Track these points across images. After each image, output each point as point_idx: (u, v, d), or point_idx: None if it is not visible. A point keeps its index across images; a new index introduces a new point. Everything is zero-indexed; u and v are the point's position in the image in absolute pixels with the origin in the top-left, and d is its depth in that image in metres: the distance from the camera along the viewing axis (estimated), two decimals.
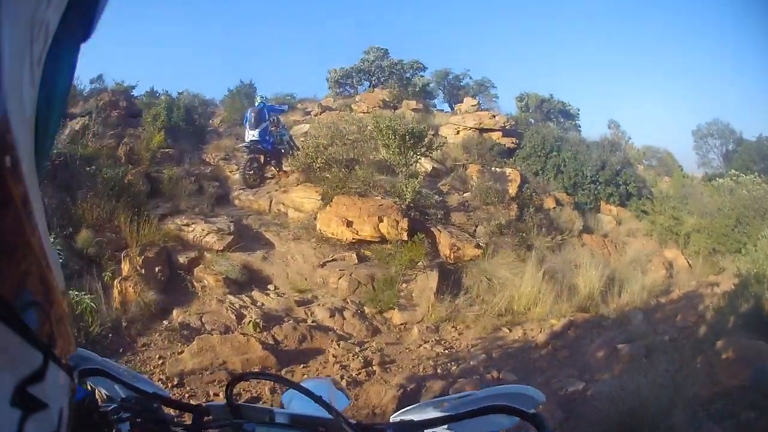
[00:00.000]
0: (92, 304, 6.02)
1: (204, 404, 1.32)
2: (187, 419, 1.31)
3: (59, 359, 0.73)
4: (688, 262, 11.05)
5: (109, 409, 1.17)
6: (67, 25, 0.62)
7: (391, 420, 1.23)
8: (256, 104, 12.41)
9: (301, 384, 1.27)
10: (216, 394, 5.12)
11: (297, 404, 1.56)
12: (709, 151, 22.42)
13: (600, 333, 7.40)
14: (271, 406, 1.58)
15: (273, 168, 11.99)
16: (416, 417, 1.19)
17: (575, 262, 9.44)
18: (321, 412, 1.18)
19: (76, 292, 6.03)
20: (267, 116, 11.98)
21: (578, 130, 19.11)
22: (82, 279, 6.81)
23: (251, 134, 11.63)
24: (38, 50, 0.53)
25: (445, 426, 1.13)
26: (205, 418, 1.27)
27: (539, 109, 19.35)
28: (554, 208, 12.23)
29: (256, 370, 5.66)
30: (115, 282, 6.95)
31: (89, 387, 1.38)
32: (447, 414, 1.12)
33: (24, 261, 0.51)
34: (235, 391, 1.35)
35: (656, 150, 18.43)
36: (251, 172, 11.59)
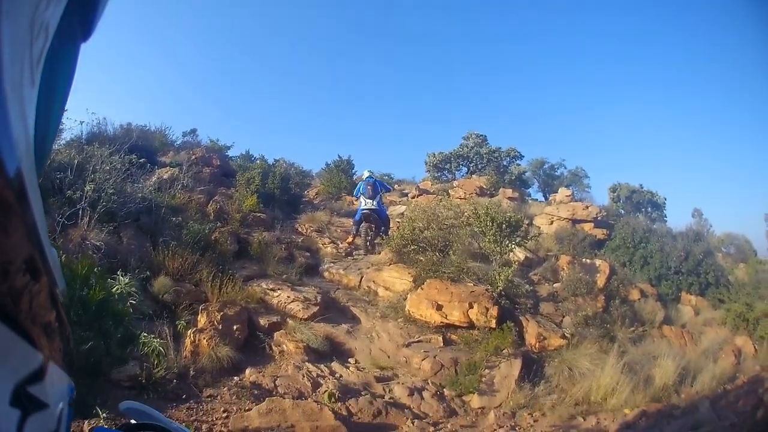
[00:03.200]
0: (160, 348, 6.12)
1: None
2: None
3: (59, 359, 0.75)
4: (755, 348, 10.71)
5: None
6: (67, 24, 0.64)
7: None
8: (365, 177, 13.46)
9: None
10: None
11: None
12: None
13: (669, 422, 7.27)
14: None
15: (382, 236, 12.59)
16: None
17: (654, 354, 9.26)
18: None
19: (145, 334, 6.14)
20: (379, 189, 13.08)
21: (664, 220, 18.92)
22: (153, 323, 7.01)
23: (369, 203, 12.62)
24: (38, 50, 0.54)
25: None
26: None
27: (630, 199, 19.23)
28: (639, 299, 12.03)
29: None
30: (189, 332, 7.08)
31: None
32: None
33: (24, 262, 0.53)
34: None
35: (735, 237, 17.81)
36: (369, 238, 12.70)
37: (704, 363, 9.40)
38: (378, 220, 12.80)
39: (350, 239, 13.09)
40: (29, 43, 0.51)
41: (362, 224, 12.74)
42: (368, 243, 12.61)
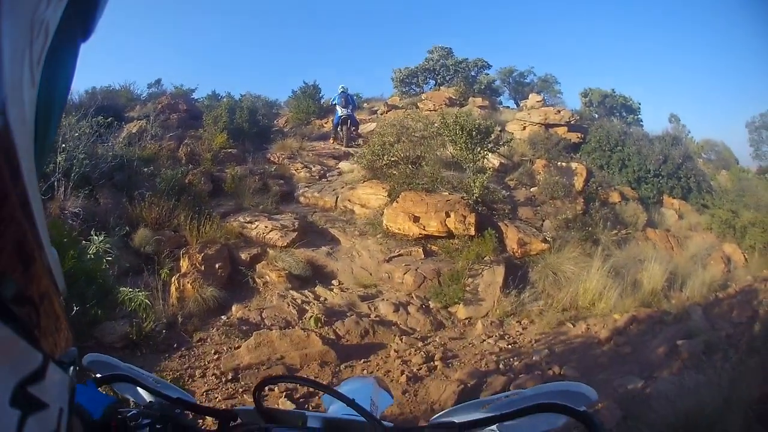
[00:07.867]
0: (146, 300, 6.07)
1: (232, 408, 1.27)
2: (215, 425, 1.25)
3: (59, 358, 0.72)
4: (745, 257, 10.90)
5: (129, 414, 1.11)
6: (67, 25, 0.62)
7: (430, 422, 1.16)
8: (340, 91, 15.70)
9: (344, 383, 1.20)
10: (271, 390, 5.04)
11: (339, 405, 1.50)
12: (763, 144, 21.38)
13: (661, 329, 7.35)
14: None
15: (353, 132, 15.69)
16: (458, 419, 1.13)
17: (639, 257, 9.34)
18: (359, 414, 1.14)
19: (130, 289, 6.11)
20: (351, 101, 15.82)
21: (640, 124, 18.76)
22: (138, 277, 6.96)
23: (344, 110, 15.23)
24: (38, 50, 0.53)
25: (493, 426, 1.06)
26: (232, 423, 1.21)
27: (602, 104, 19.04)
28: (619, 202, 12.08)
29: (314, 364, 5.65)
30: (173, 279, 7.03)
31: (115, 393, 1.37)
32: (489, 415, 1.05)
33: (23, 261, 0.51)
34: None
35: (714, 143, 17.90)
36: (342, 133, 15.41)
37: (693, 268, 9.53)
38: (352, 123, 15.64)
39: (332, 141, 15.61)
40: (29, 43, 0.49)
41: (341, 126, 15.39)
42: (349, 136, 15.26)
